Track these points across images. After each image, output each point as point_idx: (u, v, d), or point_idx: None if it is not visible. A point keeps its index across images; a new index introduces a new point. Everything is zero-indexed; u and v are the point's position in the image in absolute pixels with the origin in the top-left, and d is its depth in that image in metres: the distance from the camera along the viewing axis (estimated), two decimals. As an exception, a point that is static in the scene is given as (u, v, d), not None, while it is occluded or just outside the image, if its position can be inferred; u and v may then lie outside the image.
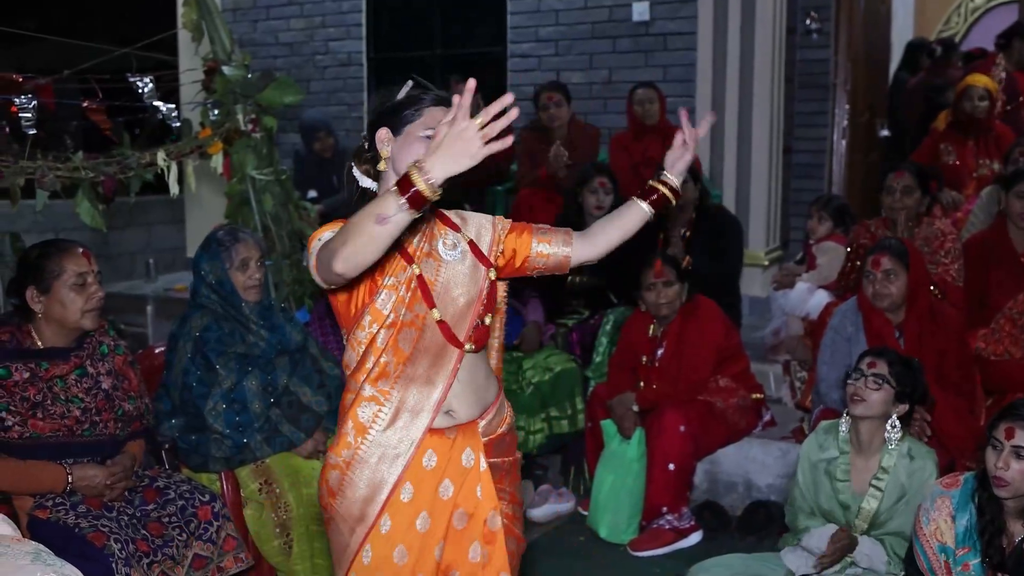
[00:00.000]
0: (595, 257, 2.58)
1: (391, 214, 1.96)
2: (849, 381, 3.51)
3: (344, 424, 2.43)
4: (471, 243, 2.48)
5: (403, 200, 1.94)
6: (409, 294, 2.38)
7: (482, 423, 2.51)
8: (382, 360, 2.39)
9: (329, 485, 2.44)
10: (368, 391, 2.40)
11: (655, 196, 2.56)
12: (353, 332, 2.41)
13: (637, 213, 2.56)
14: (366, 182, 2.48)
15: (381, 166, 2.40)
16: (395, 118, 2.40)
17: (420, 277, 2.38)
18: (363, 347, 2.40)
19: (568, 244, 2.56)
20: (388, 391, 2.40)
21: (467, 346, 2.42)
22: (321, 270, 2.18)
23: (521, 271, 2.57)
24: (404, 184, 1.94)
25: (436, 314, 2.38)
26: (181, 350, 3.70)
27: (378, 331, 2.38)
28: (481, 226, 2.54)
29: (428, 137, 2.27)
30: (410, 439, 2.40)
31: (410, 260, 2.39)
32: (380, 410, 2.40)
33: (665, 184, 2.57)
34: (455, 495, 2.46)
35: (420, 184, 1.93)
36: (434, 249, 2.44)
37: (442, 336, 2.39)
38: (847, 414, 3.56)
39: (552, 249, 2.55)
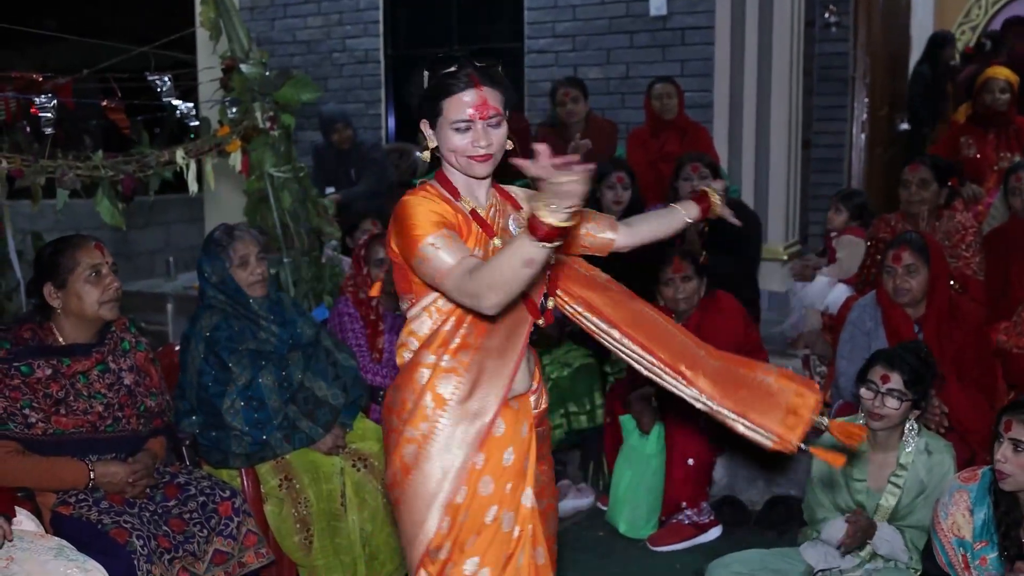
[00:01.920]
0: (632, 245, 2.77)
1: (536, 256, 2.05)
2: (864, 395, 3.48)
3: (421, 398, 2.43)
4: None
5: (539, 242, 2.01)
6: None
7: (532, 397, 2.60)
8: (462, 331, 2.45)
9: (404, 461, 2.44)
10: (447, 362, 2.44)
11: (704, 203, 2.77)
12: (431, 301, 2.46)
13: (678, 218, 2.78)
14: (424, 161, 2.60)
15: (424, 155, 2.51)
16: (428, 111, 2.44)
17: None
18: (444, 317, 2.46)
19: (614, 230, 2.73)
20: (468, 362, 2.44)
21: (540, 321, 2.52)
22: (462, 297, 2.26)
23: (568, 248, 2.65)
24: (534, 226, 2.00)
25: None
26: (194, 351, 3.71)
27: None
28: None
29: (456, 127, 2.38)
30: (488, 409, 2.44)
31: (491, 233, 2.48)
32: (460, 381, 2.43)
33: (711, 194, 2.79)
34: (514, 464, 2.51)
35: (551, 220, 1.97)
36: (507, 226, 2.52)
37: (523, 307, 2.48)
38: (862, 414, 3.54)
39: (598, 231, 2.72)
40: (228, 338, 3.70)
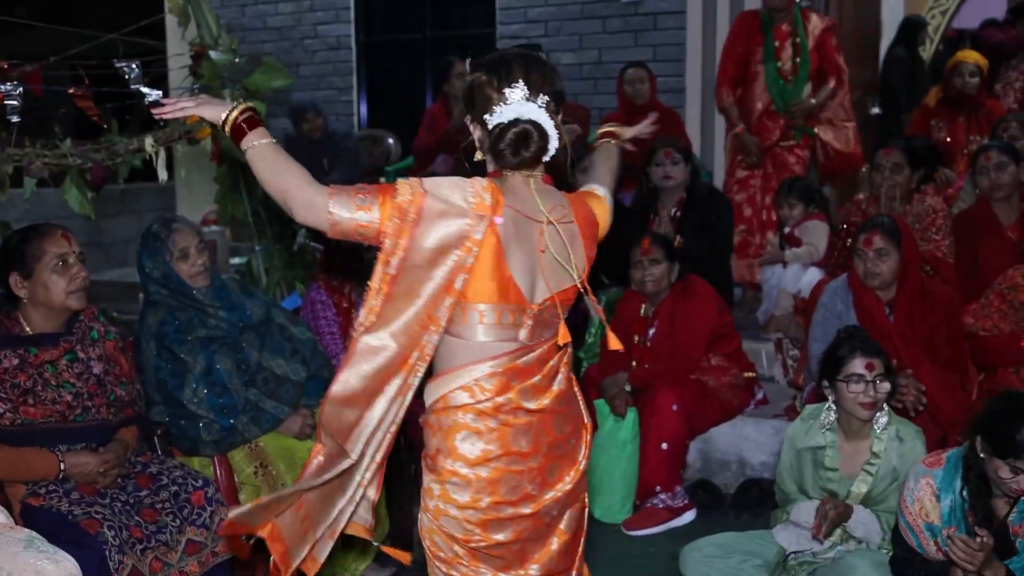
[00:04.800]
0: None
1: None
2: (852, 390, 3.47)
3: None
4: None
5: None
6: None
7: None
8: None
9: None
10: None
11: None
12: None
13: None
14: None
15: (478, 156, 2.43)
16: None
17: None
18: None
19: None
20: None
21: None
22: None
23: None
24: None
25: None
26: (147, 350, 3.66)
27: None
28: None
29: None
30: None
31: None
32: None
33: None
34: None
35: None
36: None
37: None
38: (835, 404, 3.54)
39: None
40: (176, 330, 3.66)
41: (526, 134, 2.27)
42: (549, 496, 2.39)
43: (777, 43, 6.02)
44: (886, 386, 3.44)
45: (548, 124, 2.29)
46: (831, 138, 6.13)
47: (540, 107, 2.30)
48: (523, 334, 2.36)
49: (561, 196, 2.42)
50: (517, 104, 2.30)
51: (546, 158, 2.34)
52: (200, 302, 3.73)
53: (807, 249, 5.40)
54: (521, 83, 2.31)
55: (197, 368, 3.63)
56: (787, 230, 5.56)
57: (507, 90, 2.31)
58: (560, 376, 2.43)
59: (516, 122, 2.27)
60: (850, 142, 6.21)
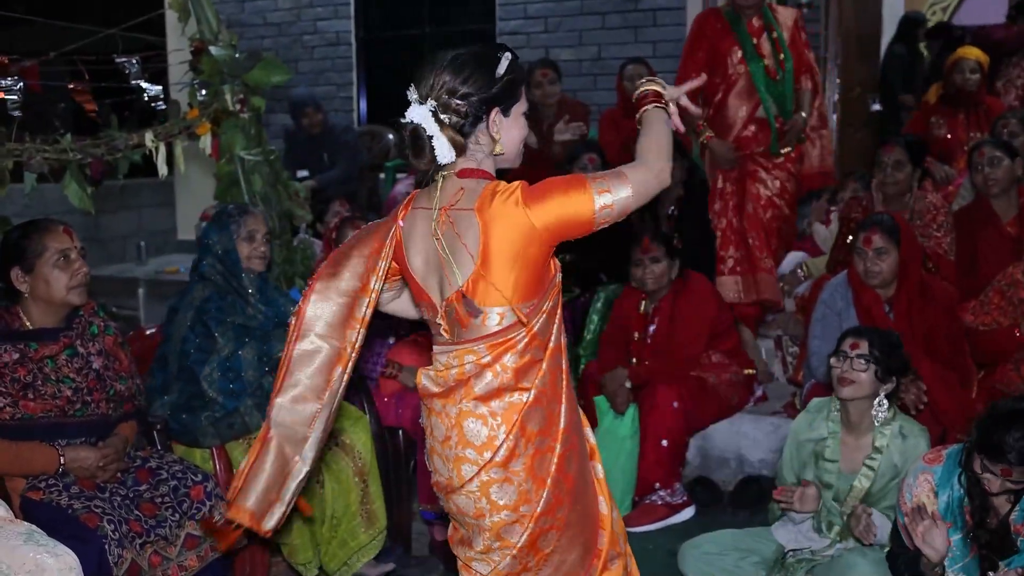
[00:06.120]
0: None
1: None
2: (833, 364, 3.49)
3: (567, 404, 2.35)
4: None
5: (659, 105, 2.56)
6: None
7: None
8: (556, 326, 2.37)
9: (571, 475, 2.36)
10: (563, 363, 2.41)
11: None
12: (547, 302, 2.32)
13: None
14: (447, 155, 2.27)
15: (498, 149, 2.32)
16: (507, 99, 2.31)
17: None
18: (553, 316, 2.34)
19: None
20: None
21: None
22: (654, 187, 2.34)
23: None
24: (652, 96, 2.57)
25: None
26: (181, 320, 3.75)
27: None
28: None
29: (526, 114, 2.37)
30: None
31: None
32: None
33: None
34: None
35: (657, 88, 2.57)
36: None
37: None
38: (834, 399, 3.55)
39: None
40: (218, 309, 3.77)
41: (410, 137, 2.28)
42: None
43: (755, 40, 5.40)
44: (860, 365, 3.42)
45: (430, 128, 2.25)
46: (810, 153, 5.83)
47: (430, 110, 2.26)
48: (445, 334, 2.36)
49: (478, 184, 2.30)
50: (413, 106, 2.29)
51: (443, 159, 2.28)
52: (245, 287, 3.85)
53: (829, 235, 5.45)
54: (414, 86, 2.31)
55: (224, 352, 3.71)
56: (833, 208, 5.63)
57: (409, 91, 2.31)
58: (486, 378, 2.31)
59: (404, 125, 2.29)
60: (823, 156, 5.89)
